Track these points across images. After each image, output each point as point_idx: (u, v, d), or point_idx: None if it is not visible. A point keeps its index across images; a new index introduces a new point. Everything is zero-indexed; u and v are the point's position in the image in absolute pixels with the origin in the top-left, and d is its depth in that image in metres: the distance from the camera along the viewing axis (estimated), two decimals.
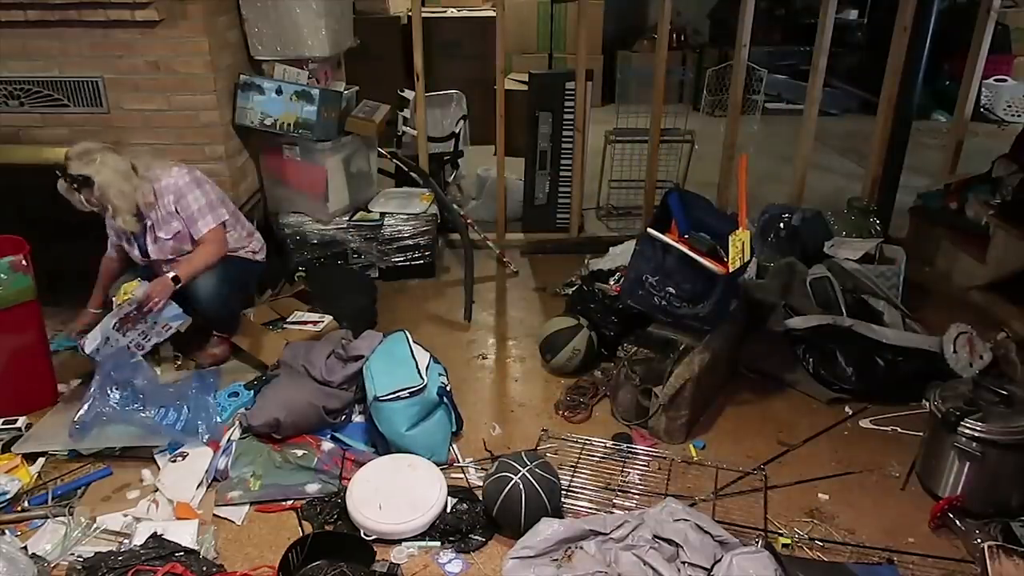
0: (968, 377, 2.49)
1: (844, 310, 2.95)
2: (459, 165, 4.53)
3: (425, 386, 2.40)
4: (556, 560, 1.95)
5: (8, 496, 2.20)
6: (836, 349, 2.78)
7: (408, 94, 4.19)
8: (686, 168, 4.40)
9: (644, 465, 2.40)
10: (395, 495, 2.13)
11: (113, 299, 2.69)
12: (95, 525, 2.12)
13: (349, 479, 2.22)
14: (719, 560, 1.88)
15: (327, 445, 2.44)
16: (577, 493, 2.26)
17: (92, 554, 1.98)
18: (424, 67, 3.73)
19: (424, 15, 4.10)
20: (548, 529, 1.98)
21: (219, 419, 2.52)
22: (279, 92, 3.30)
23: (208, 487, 2.30)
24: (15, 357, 2.56)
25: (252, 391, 2.67)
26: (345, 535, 2.07)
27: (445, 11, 5.78)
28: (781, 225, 3.48)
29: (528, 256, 3.99)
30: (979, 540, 1.98)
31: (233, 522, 2.16)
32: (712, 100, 5.52)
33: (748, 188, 2.69)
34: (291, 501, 2.23)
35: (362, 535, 2.06)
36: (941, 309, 3.27)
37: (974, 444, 2.11)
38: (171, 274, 2.63)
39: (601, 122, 4.55)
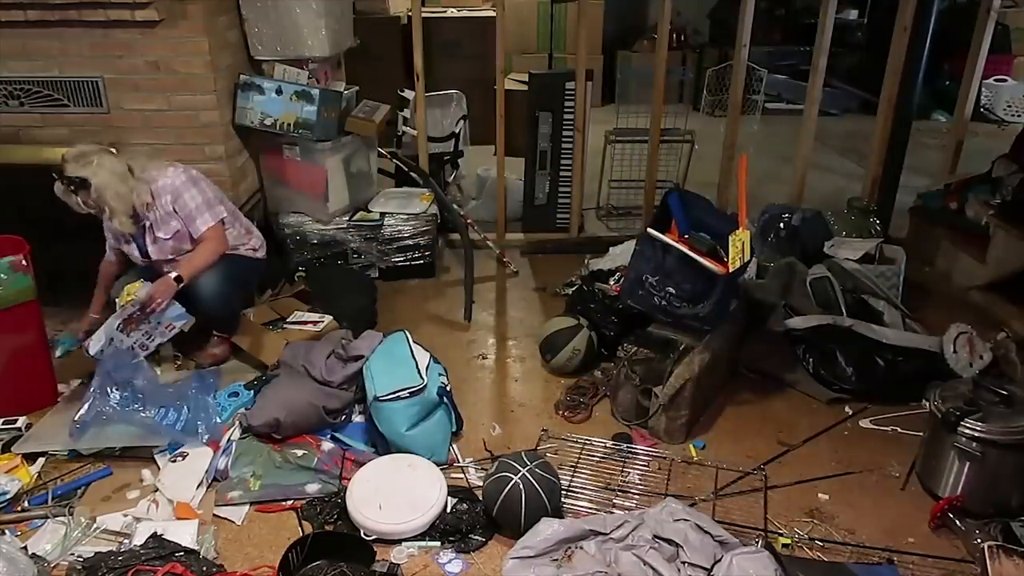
0: (968, 377, 2.48)
1: (844, 310, 2.95)
2: (459, 165, 4.53)
3: (425, 386, 2.40)
4: (556, 560, 1.95)
5: (8, 496, 2.21)
6: (836, 349, 2.78)
7: (408, 94, 4.19)
8: (686, 168, 4.40)
9: (644, 465, 2.40)
10: (395, 495, 2.13)
11: (116, 300, 2.69)
12: (95, 525, 2.12)
13: (349, 479, 2.22)
14: (719, 560, 1.88)
15: (327, 445, 2.44)
16: (577, 493, 2.26)
17: (92, 554, 1.98)
18: (424, 67, 3.73)
19: (424, 15, 4.10)
20: (548, 529, 1.98)
21: (219, 419, 2.52)
22: (279, 92, 3.30)
23: (208, 487, 2.30)
24: (15, 357, 2.57)
25: (252, 391, 2.67)
26: (345, 535, 2.07)
27: (445, 11, 5.78)
28: (781, 225, 3.48)
29: (528, 256, 3.99)
30: (979, 540, 1.98)
31: (233, 522, 2.16)
32: (712, 100, 5.52)
33: (748, 188, 2.69)
34: (291, 501, 2.23)
35: (362, 535, 2.06)
36: (941, 309, 3.27)
37: (974, 444, 2.11)
38: (173, 274, 2.63)
39: (601, 122, 4.55)
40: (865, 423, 2.63)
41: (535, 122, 3.86)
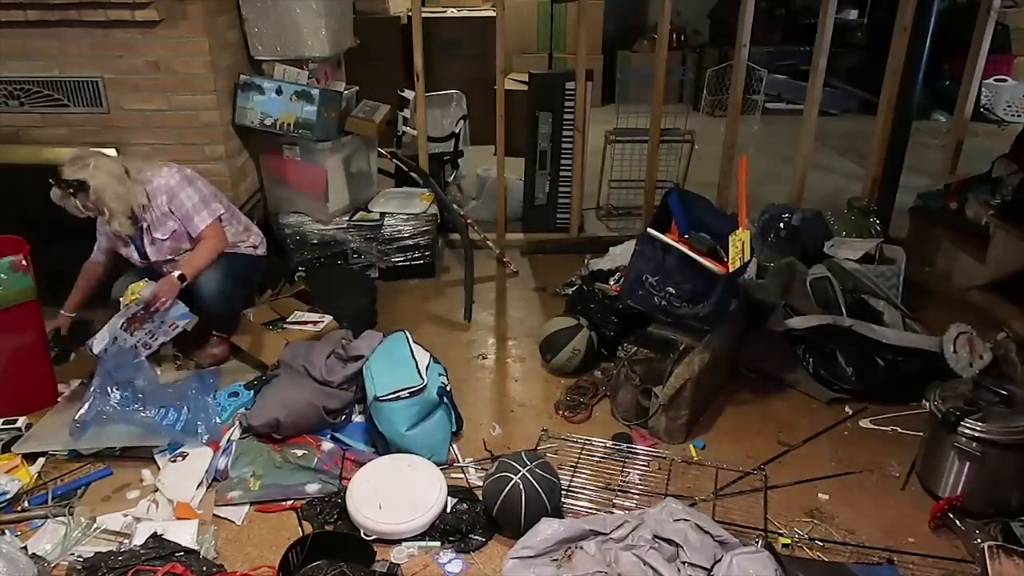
0: (968, 377, 2.48)
1: (844, 310, 2.95)
2: (459, 165, 4.53)
3: (425, 386, 2.40)
4: (556, 560, 1.95)
5: (8, 496, 2.21)
6: (836, 349, 2.78)
7: (408, 94, 4.19)
8: (686, 168, 4.40)
9: (644, 465, 2.40)
10: (395, 495, 2.13)
11: (120, 299, 2.70)
12: (95, 525, 2.12)
13: (349, 479, 2.22)
14: (719, 560, 1.88)
15: (327, 445, 2.44)
16: (577, 493, 2.26)
17: (92, 554, 1.98)
18: (424, 67, 3.73)
19: (424, 15, 4.10)
20: (548, 529, 1.98)
21: (218, 420, 2.52)
22: (279, 92, 3.30)
23: (208, 487, 2.30)
24: (15, 357, 2.57)
25: (252, 391, 2.67)
26: (345, 535, 2.07)
27: (445, 11, 5.78)
28: (781, 225, 3.48)
29: (528, 256, 3.99)
30: (979, 540, 1.98)
31: (233, 522, 2.16)
32: (712, 100, 5.52)
33: (748, 188, 2.69)
34: (291, 501, 2.23)
35: (362, 535, 2.06)
36: (941, 309, 3.27)
37: (974, 444, 2.11)
38: (177, 273, 2.64)
39: (601, 122, 4.55)
40: (865, 423, 2.63)
41: (535, 122, 3.86)
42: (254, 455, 2.39)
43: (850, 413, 2.67)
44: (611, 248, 3.44)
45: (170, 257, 2.77)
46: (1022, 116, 6.14)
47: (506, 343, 3.18)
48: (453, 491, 2.23)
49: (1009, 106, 6.18)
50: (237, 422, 2.54)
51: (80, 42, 2.99)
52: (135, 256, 2.80)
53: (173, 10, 2.93)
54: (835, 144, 5.59)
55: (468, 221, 3.83)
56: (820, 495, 2.29)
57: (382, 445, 2.39)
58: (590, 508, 2.20)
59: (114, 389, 2.47)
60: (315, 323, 3.01)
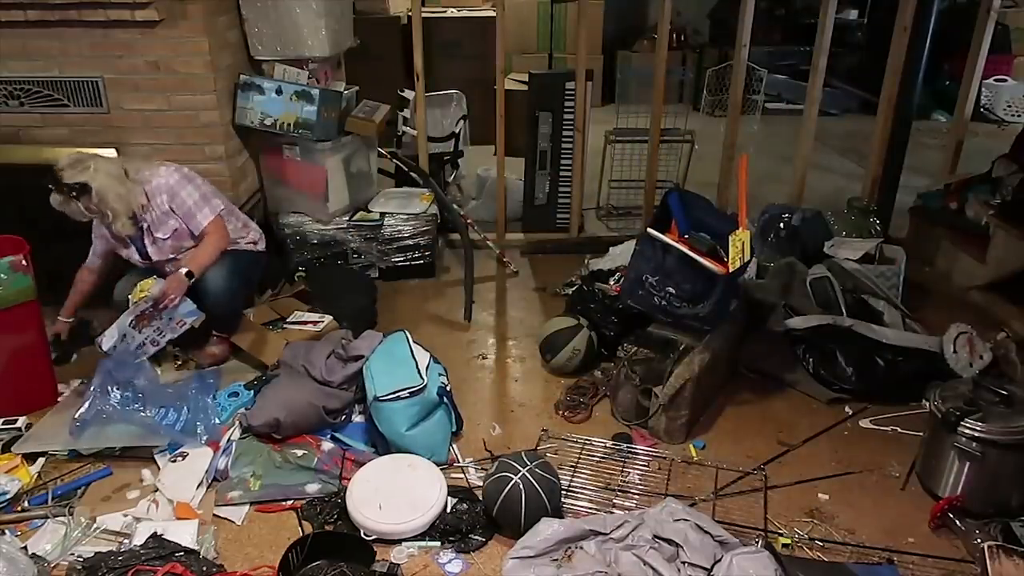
0: (968, 377, 2.48)
1: (844, 310, 2.95)
2: (459, 165, 4.53)
3: (425, 386, 2.40)
4: (556, 560, 1.95)
5: (8, 496, 2.21)
6: (836, 349, 2.78)
7: (408, 94, 4.19)
8: (686, 168, 4.40)
9: (644, 465, 2.40)
10: (395, 495, 2.13)
11: (129, 297, 2.71)
12: (95, 525, 2.12)
13: (349, 479, 2.22)
14: (719, 560, 1.88)
15: (327, 445, 2.44)
16: (577, 493, 2.26)
17: (92, 554, 1.98)
18: (424, 67, 3.73)
19: (424, 15, 4.10)
20: (548, 529, 1.98)
21: (218, 420, 2.52)
22: (279, 92, 3.30)
23: (208, 487, 2.29)
24: (15, 357, 2.57)
25: (252, 391, 2.67)
26: (345, 535, 2.07)
27: (445, 11, 5.78)
28: (781, 225, 3.48)
29: (528, 256, 3.99)
30: (979, 540, 1.98)
31: (233, 522, 2.16)
32: (712, 100, 5.52)
33: (748, 188, 2.69)
34: (291, 501, 2.23)
35: (362, 535, 2.06)
36: (941, 309, 3.27)
37: (974, 444, 2.11)
38: (184, 270, 2.64)
39: (601, 122, 4.55)
40: (865, 423, 2.63)
41: (535, 122, 3.86)
42: (254, 455, 2.39)
43: (850, 413, 2.67)
44: (611, 248, 3.44)
45: (172, 256, 2.78)
46: (1022, 116, 6.14)
47: (506, 343, 3.18)
48: (453, 491, 2.23)
49: (1009, 106, 6.18)
50: (237, 422, 2.54)
51: (80, 42, 2.99)
52: (136, 257, 2.80)
53: (173, 10, 2.93)
54: (835, 144, 5.59)
55: (468, 221, 3.83)
56: (820, 495, 2.29)
57: (382, 445, 2.39)
58: (590, 508, 2.20)
59: (114, 389, 2.47)
60: (315, 323, 3.01)
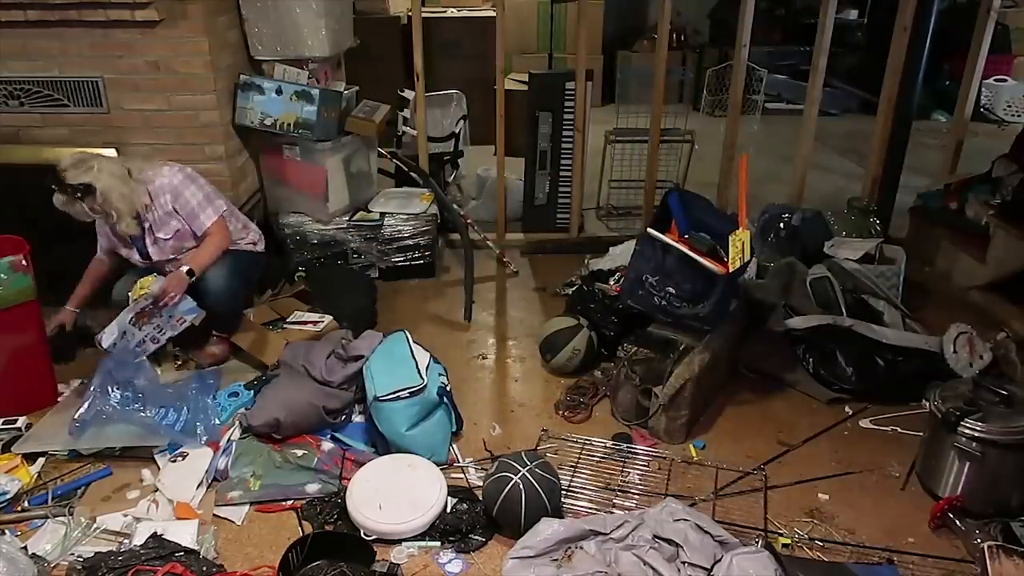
0: (968, 377, 2.48)
1: (844, 310, 2.95)
2: (459, 165, 4.53)
3: (425, 386, 2.40)
4: (556, 560, 1.95)
5: (8, 496, 2.21)
6: (836, 349, 2.78)
7: (408, 94, 4.19)
8: (686, 168, 4.40)
9: (644, 465, 2.40)
10: (395, 495, 2.13)
11: (129, 294, 2.71)
12: (95, 525, 2.12)
13: (349, 479, 2.22)
14: (719, 560, 1.88)
15: (327, 445, 2.44)
16: (577, 493, 2.26)
17: (92, 554, 1.98)
18: (424, 67, 3.73)
19: (424, 15, 4.10)
20: (548, 529, 1.98)
21: (217, 421, 2.52)
22: (279, 92, 3.30)
23: (208, 487, 2.30)
24: (15, 357, 2.57)
25: (252, 391, 2.67)
26: (345, 535, 2.07)
27: (445, 11, 5.78)
28: (781, 225, 3.48)
29: (528, 256, 3.99)
30: (979, 540, 1.98)
31: (233, 522, 2.16)
32: (712, 100, 5.52)
33: (748, 188, 2.69)
34: (291, 501, 2.23)
35: (362, 535, 2.06)
36: (941, 309, 3.27)
37: (974, 444, 2.11)
38: (185, 268, 2.65)
39: (601, 122, 4.55)
40: (865, 423, 2.63)
41: (535, 122, 3.86)
42: (254, 455, 2.39)
43: (850, 413, 2.67)
44: (611, 248, 3.44)
45: (172, 256, 2.78)
46: (1022, 116, 6.14)
47: (506, 343, 3.18)
48: (453, 491, 2.23)
49: (1009, 106, 6.18)
50: (237, 422, 2.54)
51: (80, 42, 2.99)
52: (136, 257, 2.80)
53: (173, 10, 2.93)
54: (835, 144, 5.59)
55: (468, 221, 3.83)
56: (820, 495, 2.29)
57: (382, 445, 2.39)
58: (590, 508, 2.20)
59: (114, 389, 2.47)
60: (315, 323, 3.01)
